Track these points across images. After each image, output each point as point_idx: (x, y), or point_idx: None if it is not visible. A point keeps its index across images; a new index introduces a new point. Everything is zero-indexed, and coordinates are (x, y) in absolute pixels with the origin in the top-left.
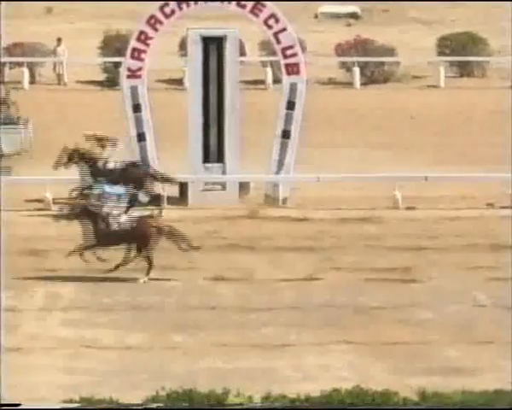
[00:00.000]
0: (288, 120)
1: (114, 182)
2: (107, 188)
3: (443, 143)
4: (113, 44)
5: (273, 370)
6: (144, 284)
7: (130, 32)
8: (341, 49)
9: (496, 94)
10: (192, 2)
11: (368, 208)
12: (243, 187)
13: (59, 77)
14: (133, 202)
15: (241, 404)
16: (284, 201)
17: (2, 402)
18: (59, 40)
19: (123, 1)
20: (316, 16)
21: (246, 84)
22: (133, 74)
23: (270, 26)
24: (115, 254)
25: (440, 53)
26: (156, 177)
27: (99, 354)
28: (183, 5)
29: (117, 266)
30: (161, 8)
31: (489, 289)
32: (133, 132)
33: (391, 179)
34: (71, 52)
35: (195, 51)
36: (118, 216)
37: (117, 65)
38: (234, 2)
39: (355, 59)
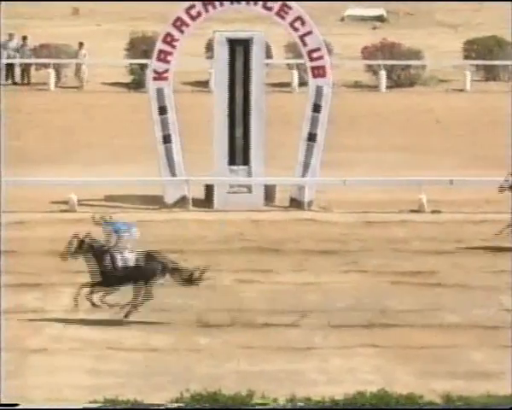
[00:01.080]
0: (314, 122)
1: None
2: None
3: (468, 147)
4: (140, 46)
5: (298, 373)
6: (169, 286)
7: (156, 34)
8: (367, 52)
9: None
10: (218, 4)
11: (393, 212)
12: (269, 190)
13: (80, 80)
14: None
15: (264, 404)
16: (310, 204)
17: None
18: (81, 44)
19: (146, 0)
20: (342, 19)
21: (272, 87)
22: (159, 76)
23: (296, 29)
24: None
25: (466, 56)
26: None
27: (124, 356)
28: (210, 7)
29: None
30: (187, 10)
31: None
32: (159, 134)
33: (416, 183)
34: (97, 54)
35: (221, 53)
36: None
37: (143, 67)
38: (260, 4)
39: (381, 62)
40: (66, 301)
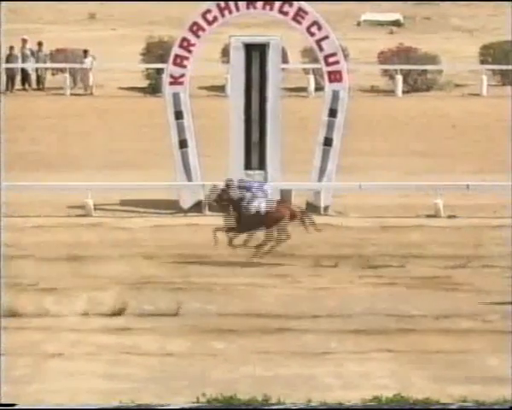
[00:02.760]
0: (330, 127)
1: None
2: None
3: (485, 152)
4: (156, 51)
5: (314, 377)
6: (185, 291)
7: (172, 39)
8: (384, 57)
9: None
10: (234, 9)
11: (409, 216)
12: (285, 194)
13: (85, 87)
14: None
15: (282, 403)
16: (326, 208)
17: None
18: (85, 52)
19: (162, 0)
20: (358, 24)
21: (288, 92)
22: (175, 81)
23: (312, 34)
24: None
25: (483, 61)
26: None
27: (140, 361)
28: (226, 12)
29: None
30: (203, 15)
31: None
32: (175, 139)
33: (432, 188)
34: (113, 58)
35: (238, 58)
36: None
37: (159, 71)
38: (276, 9)
39: (397, 67)
40: (83, 306)
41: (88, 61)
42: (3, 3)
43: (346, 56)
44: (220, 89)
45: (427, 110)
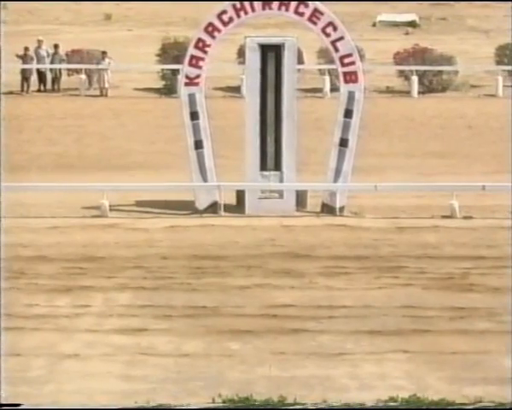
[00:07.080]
0: (346, 128)
1: None
2: None
3: (501, 153)
4: (171, 52)
5: (329, 378)
6: (201, 291)
7: (187, 40)
8: (400, 58)
9: None
10: (250, 10)
11: (425, 217)
12: (300, 195)
13: (101, 88)
14: None
15: (298, 404)
16: (341, 209)
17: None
18: (103, 53)
19: (176, 1)
20: (374, 25)
21: (303, 92)
22: (191, 82)
23: (328, 34)
24: None
25: (499, 62)
26: None
27: (155, 361)
28: (241, 13)
29: None
30: (219, 16)
31: None
32: (190, 140)
33: (448, 188)
34: (129, 59)
35: (253, 59)
36: None
37: (175, 72)
38: (292, 10)
39: (413, 67)
40: (99, 307)
41: (105, 62)
42: (14, 5)
43: (361, 57)
44: (236, 89)
45: (443, 111)
